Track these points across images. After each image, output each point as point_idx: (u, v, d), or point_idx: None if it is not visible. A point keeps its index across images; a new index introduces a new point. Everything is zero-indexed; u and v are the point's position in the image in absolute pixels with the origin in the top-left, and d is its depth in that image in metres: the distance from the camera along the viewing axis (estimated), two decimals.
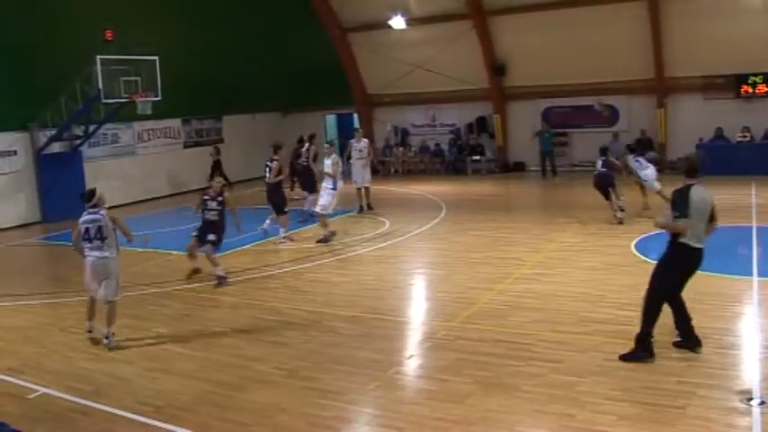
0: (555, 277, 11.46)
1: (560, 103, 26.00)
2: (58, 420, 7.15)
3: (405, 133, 29.59)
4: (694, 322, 7.86)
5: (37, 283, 13.60)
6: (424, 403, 7.05)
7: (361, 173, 19.08)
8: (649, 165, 16.21)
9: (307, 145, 18.70)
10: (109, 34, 19.77)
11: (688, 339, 7.90)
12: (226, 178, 25.21)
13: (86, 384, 8.04)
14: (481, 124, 27.86)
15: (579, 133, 25.63)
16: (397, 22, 25.83)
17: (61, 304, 11.55)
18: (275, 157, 15.98)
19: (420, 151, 28.85)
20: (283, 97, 29.87)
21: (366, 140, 20.02)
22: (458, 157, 27.79)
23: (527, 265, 12.54)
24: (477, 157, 27.22)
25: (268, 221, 15.98)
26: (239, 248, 15.15)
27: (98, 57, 19.36)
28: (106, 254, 9.26)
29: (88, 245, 9.29)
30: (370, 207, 19.04)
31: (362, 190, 19.19)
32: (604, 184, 15.71)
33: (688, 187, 7.53)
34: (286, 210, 15.88)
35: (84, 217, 9.33)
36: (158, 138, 25.85)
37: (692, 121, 23.30)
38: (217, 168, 25.16)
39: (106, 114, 21.61)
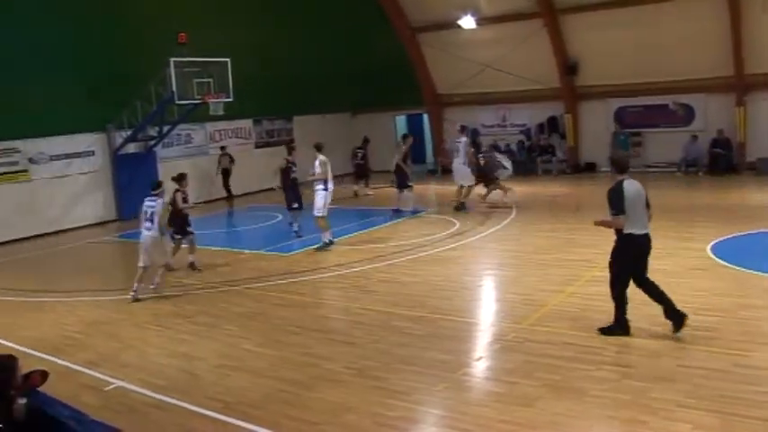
0: None
1: (633, 103, 25.36)
2: (132, 413, 7.35)
3: (475, 133, 29.36)
4: None
5: (113, 279, 14.02)
6: (492, 406, 6.98)
7: (466, 171, 19.20)
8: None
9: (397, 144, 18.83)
10: (182, 37, 20.14)
11: (671, 317, 8.28)
12: (229, 191, 25.25)
13: (159, 379, 8.25)
14: (552, 124, 27.51)
15: (653, 133, 25.00)
16: (467, 22, 25.67)
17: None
18: (287, 157, 16.68)
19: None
20: (353, 97, 30.03)
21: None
22: (528, 158, 27.47)
23: (598, 267, 12.21)
24: (548, 157, 26.86)
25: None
26: (307, 248, 15.29)
27: (171, 59, 19.75)
28: (151, 232, 11.87)
29: (145, 223, 11.93)
30: (461, 206, 18.93)
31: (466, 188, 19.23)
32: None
33: (620, 183, 8.32)
34: (294, 206, 16.54)
35: (147, 202, 12.01)
36: (230, 138, 26.28)
37: None
38: (226, 176, 25.18)
39: (179, 115, 22.11)
